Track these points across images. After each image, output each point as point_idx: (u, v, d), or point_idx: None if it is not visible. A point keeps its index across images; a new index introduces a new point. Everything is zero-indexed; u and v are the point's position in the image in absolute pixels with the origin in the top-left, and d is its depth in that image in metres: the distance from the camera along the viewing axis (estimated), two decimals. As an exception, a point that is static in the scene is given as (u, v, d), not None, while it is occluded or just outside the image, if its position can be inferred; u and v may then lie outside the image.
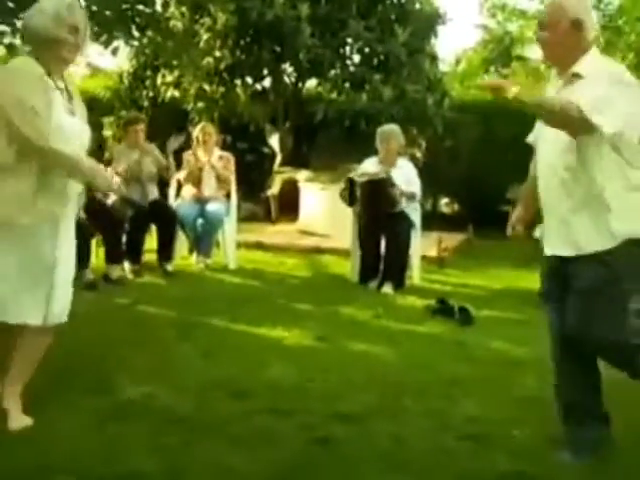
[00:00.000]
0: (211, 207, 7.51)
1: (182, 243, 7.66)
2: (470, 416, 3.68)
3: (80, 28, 3.33)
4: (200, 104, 11.03)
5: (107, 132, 11.35)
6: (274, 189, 11.26)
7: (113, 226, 6.76)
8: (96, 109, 10.90)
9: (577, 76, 3.12)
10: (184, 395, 3.83)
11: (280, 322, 5.27)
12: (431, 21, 11.38)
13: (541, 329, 5.45)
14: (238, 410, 3.65)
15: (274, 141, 11.98)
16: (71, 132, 3.33)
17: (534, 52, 22.73)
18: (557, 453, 3.24)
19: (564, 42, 3.16)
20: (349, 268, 7.25)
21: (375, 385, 4.09)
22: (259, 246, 8.80)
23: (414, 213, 7.02)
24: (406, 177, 6.89)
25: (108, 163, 6.86)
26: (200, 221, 7.55)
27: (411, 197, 6.87)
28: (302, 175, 10.41)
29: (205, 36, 10.58)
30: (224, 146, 8.82)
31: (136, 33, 7.81)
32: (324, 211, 9.33)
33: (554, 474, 3.09)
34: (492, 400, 3.92)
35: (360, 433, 3.43)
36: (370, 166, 7.01)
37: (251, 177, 10.92)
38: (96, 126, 10.89)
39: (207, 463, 3.08)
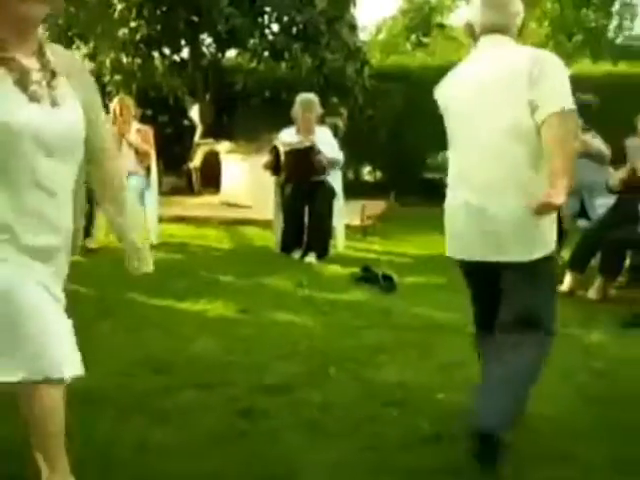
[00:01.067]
0: (131, 181, 7.34)
1: (103, 219, 7.48)
2: (395, 382, 3.70)
3: None
4: (117, 76, 10.78)
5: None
6: (195, 161, 11.13)
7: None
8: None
9: None
10: (106, 374, 3.73)
11: (203, 295, 5.22)
12: (349, -12, 11.34)
13: (463, 293, 5.59)
14: (161, 386, 3.58)
15: (194, 113, 11.83)
16: (35, 130, 2.16)
17: (454, 19, 22.98)
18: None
19: None
20: (272, 239, 7.21)
21: (299, 355, 4.07)
22: (181, 219, 8.70)
23: (336, 182, 7.01)
24: (326, 146, 6.87)
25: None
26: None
27: (335, 164, 6.86)
28: (223, 146, 10.31)
29: (119, 6, 10.31)
30: (143, 119, 8.63)
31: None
32: (246, 182, 9.27)
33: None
34: (417, 366, 3.96)
35: (285, 403, 3.41)
36: (288, 136, 6.96)
37: (172, 150, 10.77)
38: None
39: (132, 440, 3.02)
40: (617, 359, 4.22)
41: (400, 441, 3.06)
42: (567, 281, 5.80)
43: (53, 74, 2.26)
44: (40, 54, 2.25)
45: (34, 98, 2.18)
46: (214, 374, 3.76)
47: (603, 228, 5.61)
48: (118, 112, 7.53)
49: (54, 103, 2.22)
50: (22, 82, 2.17)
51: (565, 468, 2.87)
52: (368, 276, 5.84)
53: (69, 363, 2.40)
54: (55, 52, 2.32)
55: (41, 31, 2.27)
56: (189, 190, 11.02)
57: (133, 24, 10.52)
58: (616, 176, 5.78)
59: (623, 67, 12.06)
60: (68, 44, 11.39)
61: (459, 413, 3.32)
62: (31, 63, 2.21)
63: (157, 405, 3.36)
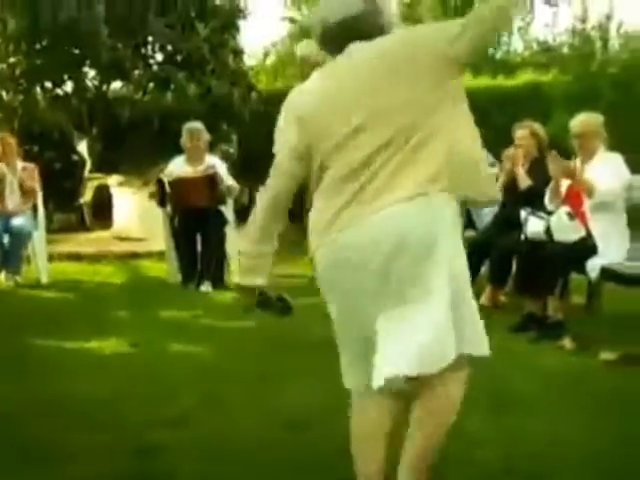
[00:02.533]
0: (16, 221, 7.13)
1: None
2: (294, 406, 3.69)
3: None
4: (-3, 114, 10.50)
5: None
6: (86, 196, 10.93)
7: None
8: None
9: None
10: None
11: (96, 333, 5.08)
12: (232, 16, 11.38)
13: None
14: (50, 429, 3.46)
15: (82, 147, 11.61)
16: None
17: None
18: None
19: None
20: (166, 270, 7.13)
21: (195, 386, 4.02)
22: (74, 256, 8.49)
23: (227, 208, 6.99)
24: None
25: None
26: (6, 237, 7.16)
27: (232, 190, 6.88)
28: (113, 180, 10.16)
29: (-4, 41, 10.08)
30: (30, 156, 8.42)
31: None
32: (138, 215, 9.14)
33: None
34: (315, 387, 3.92)
35: (182, 436, 3.34)
36: (177, 165, 6.92)
37: (62, 186, 10.54)
38: None
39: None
40: (507, 364, 4.34)
41: (301, 463, 3.05)
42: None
43: None
44: None
45: None
46: (107, 413, 3.66)
47: (489, 236, 5.77)
48: (0, 150, 7.32)
49: None
50: None
51: (459, 470, 2.94)
52: (263, 300, 5.80)
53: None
54: None
55: None
56: (81, 226, 10.79)
57: (12, 59, 10.28)
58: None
59: (501, 80, 12.51)
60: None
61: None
62: None
63: (46, 450, 3.24)
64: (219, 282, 6.68)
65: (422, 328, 2.32)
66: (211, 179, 6.75)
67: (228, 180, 6.92)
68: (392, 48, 2.41)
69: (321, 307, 5.70)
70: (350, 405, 2.86)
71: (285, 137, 2.78)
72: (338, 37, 2.48)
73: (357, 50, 2.44)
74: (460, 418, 3.42)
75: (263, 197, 2.73)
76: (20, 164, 7.46)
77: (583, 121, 5.15)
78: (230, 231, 7.01)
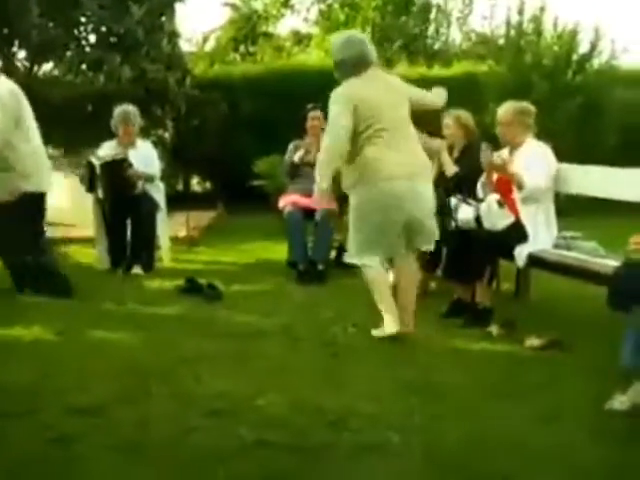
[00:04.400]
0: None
1: None
2: (216, 393, 3.63)
3: None
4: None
5: None
6: (15, 180, 10.62)
7: None
8: None
9: None
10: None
11: (20, 320, 4.91)
12: (168, -1, 11.18)
13: (286, 296, 5.65)
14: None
15: (11, 129, 11.28)
16: None
17: (279, 28, 23.19)
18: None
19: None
20: (95, 256, 6.98)
21: (117, 373, 3.92)
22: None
23: (157, 193, 6.88)
24: (145, 158, 6.74)
25: None
26: None
27: (149, 179, 6.74)
28: (43, 163, 9.88)
29: None
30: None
31: None
32: (67, 200, 8.91)
33: (295, 438, 3.12)
34: (237, 374, 3.92)
35: (100, 425, 3.27)
36: (109, 149, 6.78)
37: (-10, 170, 10.21)
38: None
39: None
40: (436, 350, 4.36)
41: (220, 451, 3.00)
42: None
43: None
44: None
45: None
46: (24, 401, 3.55)
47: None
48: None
49: None
50: None
51: (381, 460, 2.92)
52: (192, 287, 5.75)
53: None
54: None
55: None
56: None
57: None
58: None
59: (436, 70, 12.60)
60: None
61: (279, 418, 3.32)
62: None
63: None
64: (148, 267, 6.57)
65: None
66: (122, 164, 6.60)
67: (150, 167, 6.79)
68: (394, 84, 4.77)
69: (250, 294, 5.74)
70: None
71: (343, 111, 4.46)
72: (345, 67, 4.63)
73: (372, 75, 4.63)
74: (386, 404, 3.49)
75: (331, 145, 4.50)
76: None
77: (506, 109, 5.16)
78: (161, 216, 6.90)
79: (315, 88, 10.12)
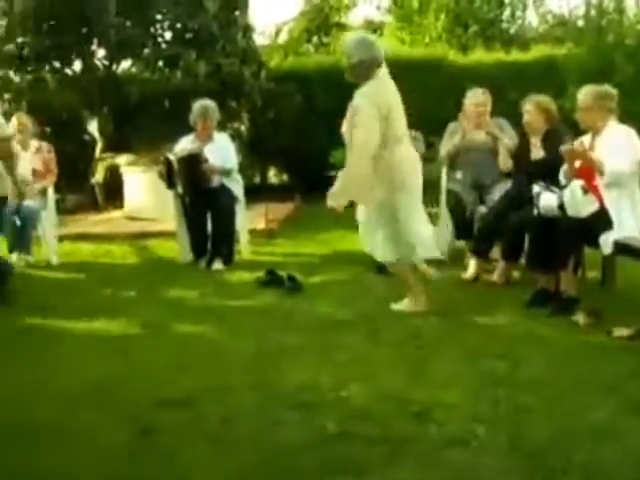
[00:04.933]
0: (26, 203, 7.10)
1: (1, 242, 7.23)
2: (299, 385, 3.64)
3: None
4: (6, 95, 10.44)
5: None
6: (98, 177, 10.89)
7: None
8: None
9: None
10: (6, 404, 3.58)
11: (106, 313, 5.06)
12: (241, -8, 11.26)
13: (365, 287, 5.63)
14: (61, 411, 3.44)
15: (93, 127, 11.57)
16: None
17: (352, 18, 23.11)
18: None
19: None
20: (176, 250, 7.08)
21: (202, 366, 3.99)
22: (84, 237, 8.44)
23: (236, 187, 6.93)
24: (222, 152, 6.80)
25: None
26: (17, 218, 7.13)
27: (227, 172, 6.79)
28: (123, 159, 10.10)
29: (2, 21, 10.00)
30: (41, 137, 8.37)
31: None
32: (148, 194, 9.07)
33: (379, 430, 3.10)
34: (320, 366, 3.92)
35: (186, 418, 3.31)
36: (186, 144, 6.86)
37: (74, 167, 10.48)
38: None
39: (22, 467, 2.89)
40: (521, 341, 4.29)
41: (304, 444, 3.00)
42: (471, 267, 5.86)
43: None
44: None
45: None
46: (114, 393, 3.64)
47: (500, 212, 5.68)
48: (16, 130, 7.27)
49: None
50: None
51: (467, 452, 2.88)
52: (273, 279, 5.78)
53: None
54: None
55: None
56: (93, 206, 10.76)
57: (20, 40, 10.22)
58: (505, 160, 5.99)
59: (514, 55, 12.35)
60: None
61: (363, 410, 3.31)
62: None
63: (53, 431, 3.22)
64: (229, 261, 6.63)
65: None
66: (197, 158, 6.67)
67: (227, 160, 6.84)
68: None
69: (330, 285, 5.73)
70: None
71: (375, 113, 4.57)
72: (362, 68, 4.67)
73: (384, 76, 4.73)
74: (471, 395, 3.45)
75: (364, 148, 4.58)
76: (35, 144, 7.42)
77: (586, 94, 5.01)
78: (240, 209, 6.95)
79: (391, 77, 10.17)
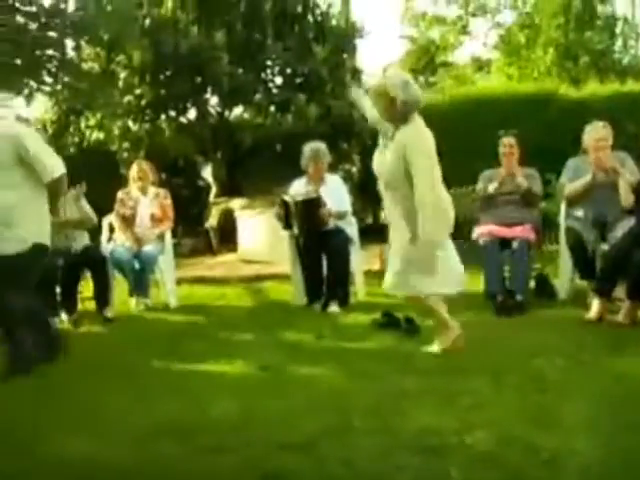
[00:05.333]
0: (145, 248, 7.32)
1: (121, 287, 7.45)
2: (422, 429, 3.55)
3: None
4: (126, 144, 10.84)
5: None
6: (212, 221, 11.13)
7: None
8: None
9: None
10: (126, 444, 3.61)
11: (222, 355, 5.11)
12: (349, 36, 11.40)
13: (487, 331, 5.49)
14: (181, 453, 3.45)
15: (207, 173, 11.86)
16: None
17: (458, 57, 23.06)
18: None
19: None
20: (291, 292, 7.12)
21: (321, 409, 3.94)
22: (200, 280, 8.63)
23: (350, 228, 6.95)
24: (336, 193, 6.83)
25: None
26: (136, 262, 7.33)
27: (342, 216, 6.82)
28: (237, 203, 10.30)
29: (123, 74, 10.43)
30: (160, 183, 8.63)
31: (48, 78, 7.64)
32: (262, 237, 9.21)
33: (508, 477, 3.00)
34: (442, 410, 3.81)
35: (308, 462, 3.27)
36: (299, 186, 6.93)
37: (189, 212, 10.78)
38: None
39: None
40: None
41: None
42: (594, 307, 5.66)
43: None
44: None
45: None
46: (235, 436, 3.62)
47: (624, 250, 5.48)
48: (136, 176, 7.52)
49: None
50: None
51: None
52: (390, 321, 5.73)
53: None
54: None
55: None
56: (208, 250, 10.99)
57: (138, 90, 10.62)
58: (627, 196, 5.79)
59: (630, 85, 12.01)
60: (77, 117, 11.58)
61: (489, 456, 3.20)
62: None
63: (177, 473, 3.24)
64: (344, 303, 6.62)
65: None
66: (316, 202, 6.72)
67: (341, 202, 6.87)
68: None
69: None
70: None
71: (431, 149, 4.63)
72: (404, 109, 4.59)
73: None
74: (605, 443, 3.28)
75: (432, 180, 4.59)
76: (153, 190, 7.64)
77: None
78: (354, 250, 6.95)
79: (500, 114, 10.04)
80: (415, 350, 5.03)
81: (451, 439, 3.41)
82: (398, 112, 4.61)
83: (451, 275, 4.91)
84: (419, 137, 4.62)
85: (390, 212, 5.03)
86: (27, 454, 3.52)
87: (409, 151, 4.56)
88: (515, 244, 6.31)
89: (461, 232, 7.18)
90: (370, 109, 5.10)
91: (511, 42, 18.39)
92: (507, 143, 6.72)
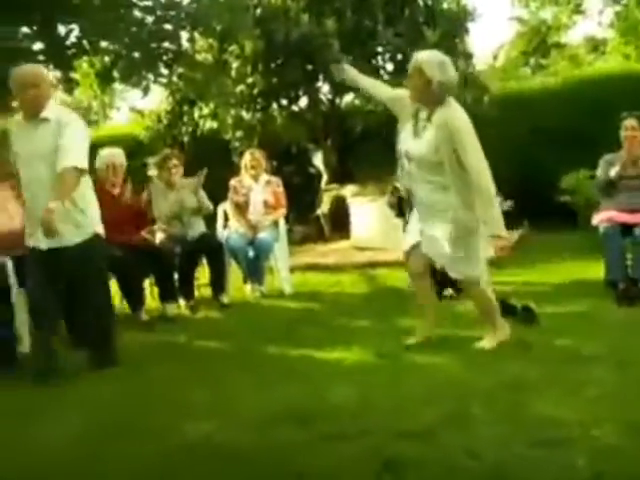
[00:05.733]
0: (260, 235, 7.43)
1: (236, 273, 7.59)
2: (543, 420, 3.48)
3: None
4: (239, 132, 11.01)
5: (152, 172, 11.38)
6: (323, 208, 11.19)
7: (163, 264, 6.72)
8: (141, 150, 11.02)
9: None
10: (246, 430, 3.69)
11: (339, 342, 5.15)
12: (460, 19, 11.20)
13: (608, 320, 5.33)
14: (302, 440, 3.49)
15: (318, 160, 11.91)
16: None
17: (571, 37, 22.40)
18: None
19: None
20: (406, 280, 7.08)
21: (441, 397, 3.92)
22: (314, 267, 8.70)
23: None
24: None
25: (149, 203, 6.92)
26: (250, 250, 7.46)
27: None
28: (349, 190, 10.31)
29: (235, 64, 10.59)
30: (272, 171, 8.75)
31: (164, 70, 7.84)
32: (375, 224, 9.20)
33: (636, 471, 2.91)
34: (565, 401, 3.73)
35: (429, 450, 3.26)
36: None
37: (300, 199, 10.85)
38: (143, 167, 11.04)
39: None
40: None
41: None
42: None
43: None
44: None
45: None
46: (355, 423, 3.64)
47: None
48: (249, 165, 7.66)
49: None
50: None
51: None
52: (505, 309, 5.62)
53: None
54: None
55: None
56: (320, 238, 11.05)
57: (250, 80, 10.75)
58: None
59: None
60: (191, 107, 11.84)
61: (618, 450, 3.11)
62: None
63: (298, 461, 3.27)
64: (459, 290, 6.54)
65: None
66: None
67: None
68: None
69: (567, 316, 5.49)
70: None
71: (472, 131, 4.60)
72: (440, 90, 4.48)
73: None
74: None
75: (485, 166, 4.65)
76: (265, 177, 7.75)
77: None
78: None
79: (619, 96, 9.71)
80: (533, 338, 4.93)
81: (575, 431, 3.33)
82: (435, 94, 4.50)
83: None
84: (463, 119, 4.54)
85: (420, 190, 4.92)
86: (158, 438, 3.63)
87: (457, 133, 4.46)
88: (637, 231, 6.09)
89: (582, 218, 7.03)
90: (375, 87, 5.12)
91: (628, 19, 17.71)
92: (629, 125, 6.48)
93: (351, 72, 5.24)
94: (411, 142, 4.72)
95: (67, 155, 4.60)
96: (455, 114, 4.53)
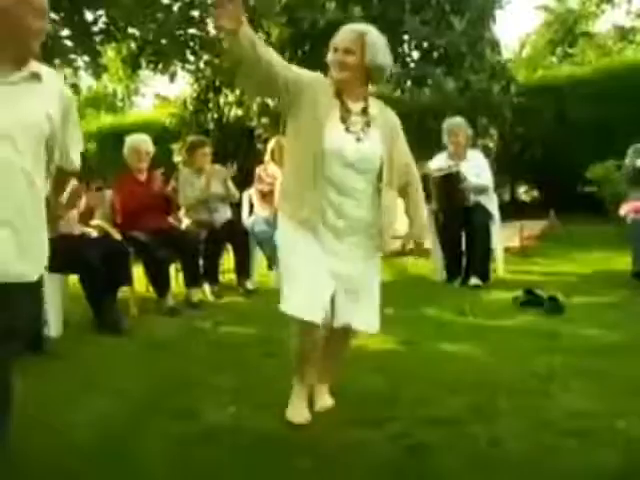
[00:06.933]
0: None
1: (261, 260, 7.60)
2: (570, 411, 3.47)
3: None
4: (264, 120, 11.01)
5: (177, 158, 11.43)
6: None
7: (189, 250, 6.74)
8: (166, 137, 11.04)
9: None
10: (270, 414, 3.71)
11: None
12: (487, 7, 11.12)
13: (635, 311, 5.29)
14: (327, 424, 3.53)
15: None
16: None
17: (600, 26, 22.15)
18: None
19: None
20: (431, 268, 7.09)
21: (466, 385, 3.92)
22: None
23: (490, 204, 6.84)
24: (477, 169, 6.74)
25: (174, 189, 6.95)
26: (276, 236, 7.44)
27: (482, 190, 6.71)
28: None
29: (262, 52, 10.59)
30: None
31: (191, 57, 7.85)
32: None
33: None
34: (592, 392, 3.72)
35: (454, 437, 3.27)
36: (440, 162, 6.87)
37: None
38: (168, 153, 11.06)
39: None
40: None
41: (583, 474, 2.87)
42: None
43: None
44: None
45: None
46: (379, 409, 3.65)
47: None
48: (276, 152, 7.64)
49: None
50: None
51: None
52: (532, 299, 5.61)
53: None
54: None
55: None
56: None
57: (276, 67, 10.72)
58: None
59: None
60: (216, 94, 11.85)
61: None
62: None
63: (322, 445, 3.30)
64: (485, 279, 6.54)
65: None
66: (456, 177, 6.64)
67: (482, 178, 6.76)
68: None
69: (594, 307, 5.46)
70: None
71: None
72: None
73: None
74: None
75: None
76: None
77: None
78: (495, 227, 6.85)
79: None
80: (560, 329, 4.91)
81: (601, 422, 3.32)
82: (366, 79, 3.54)
83: None
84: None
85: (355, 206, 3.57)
86: (184, 420, 3.65)
87: (396, 130, 3.73)
88: (666, 221, 6.04)
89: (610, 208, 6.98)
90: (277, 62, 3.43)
91: (660, 7, 17.49)
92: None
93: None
94: (344, 144, 3.45)
95: None
96: (388, 109, 3.70)
